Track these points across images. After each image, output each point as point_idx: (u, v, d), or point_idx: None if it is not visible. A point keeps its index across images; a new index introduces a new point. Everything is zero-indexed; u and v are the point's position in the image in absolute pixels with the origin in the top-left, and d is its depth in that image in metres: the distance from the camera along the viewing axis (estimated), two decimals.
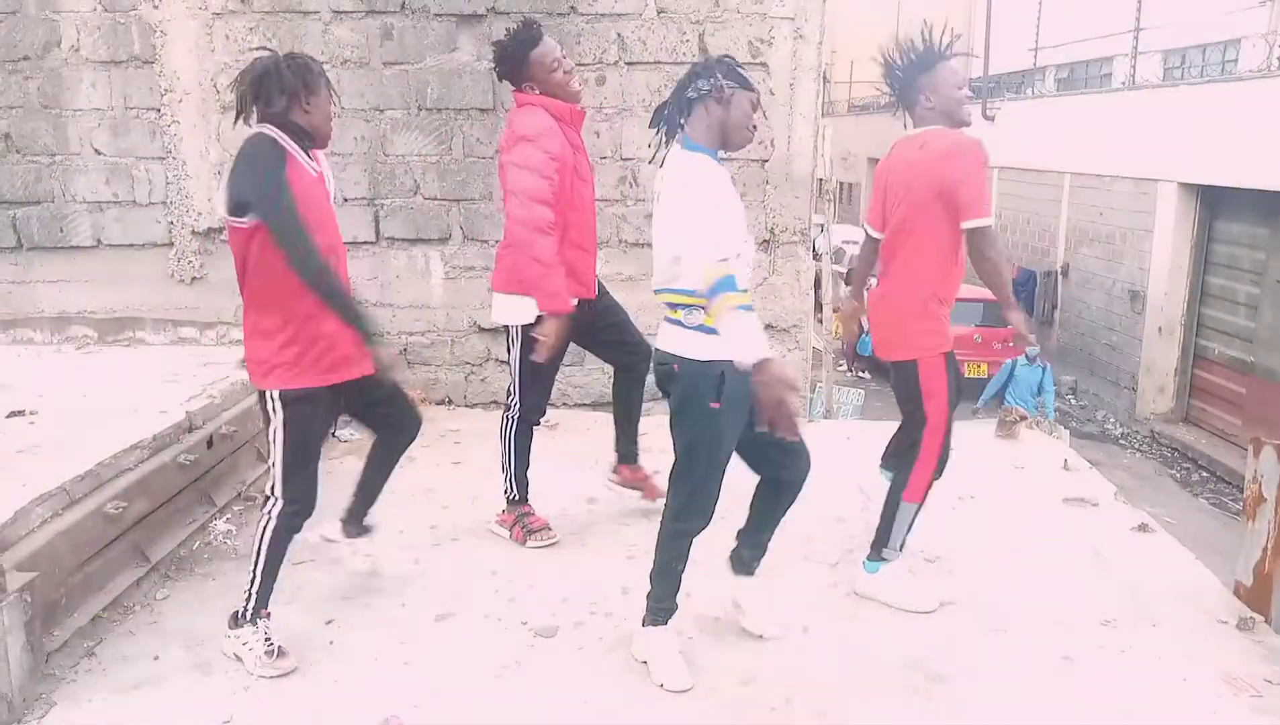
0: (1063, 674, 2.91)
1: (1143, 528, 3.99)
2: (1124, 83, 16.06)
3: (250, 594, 2.88)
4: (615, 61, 5.27)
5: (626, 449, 4.04)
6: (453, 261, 5.50)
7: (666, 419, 2.85)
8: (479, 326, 5.55)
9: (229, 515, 3.94)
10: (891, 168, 3.34)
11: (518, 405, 3.74)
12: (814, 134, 5.43)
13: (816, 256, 7.18)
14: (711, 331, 2.65)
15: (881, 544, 3.32)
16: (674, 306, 2.77)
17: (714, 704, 2.75)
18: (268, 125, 2.77)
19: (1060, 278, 16.03)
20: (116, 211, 5.46)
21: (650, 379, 3.11)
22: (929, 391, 3.21)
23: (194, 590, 3.39)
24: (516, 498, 3.82)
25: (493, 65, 3.53)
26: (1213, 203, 12.54)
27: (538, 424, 3.81)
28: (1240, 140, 11.15)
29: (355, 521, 3.34)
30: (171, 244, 5.48)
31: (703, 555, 3.67)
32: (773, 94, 5.32)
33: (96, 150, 5.39)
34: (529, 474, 3.83)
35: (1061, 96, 17.92)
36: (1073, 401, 14.80)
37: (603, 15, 5.23)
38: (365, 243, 5.46)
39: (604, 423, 4.15)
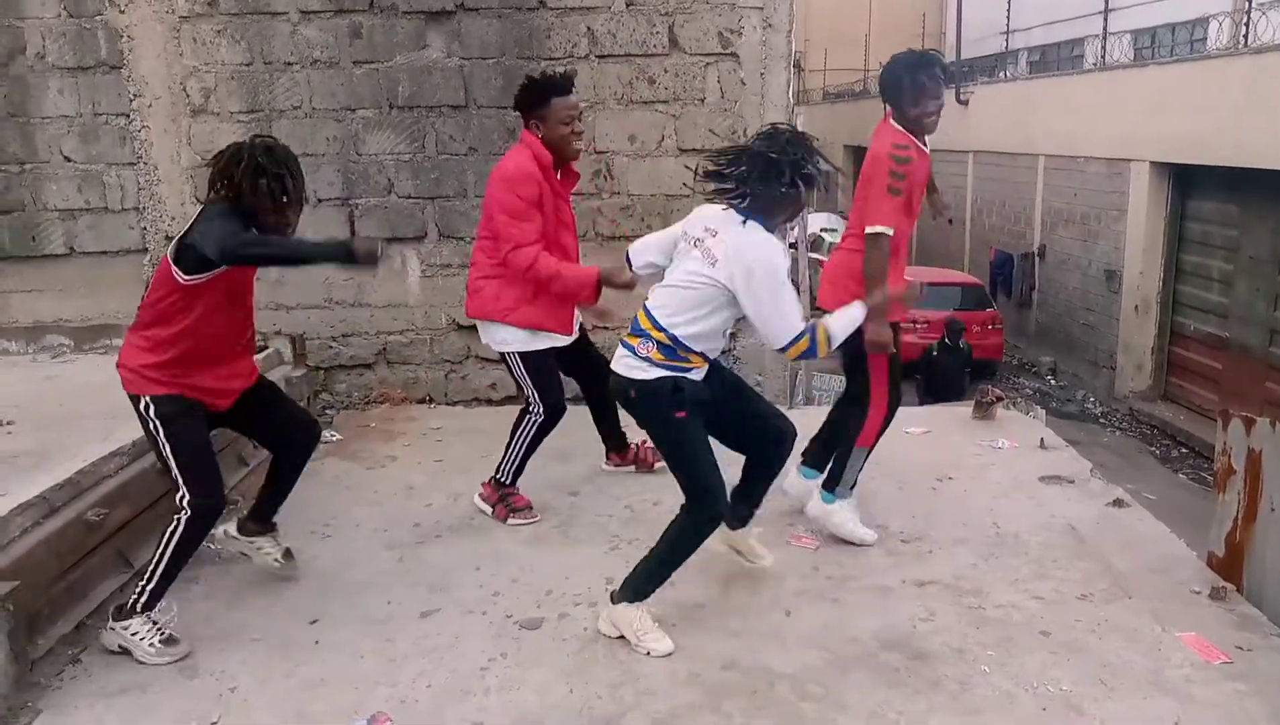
0: (1040, 649, 2.96)
1: (1118, 503, 4.05)
2: (1095, 64, 16.18)
3: (146, 590, 2.97)
4: (586, 55, 5.28)
5: (613, 439, 4.26)
6: (429, 260, 5.51)
7: None
8: (458, 324, 5.56)
9: None
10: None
11: (539, 408, 3.83)
12: (786, 122, 5.46)
13: (793, 245, 7.21)
14: (655, 363, 2.91)
15: (835, 482, 3.67)
16: (636, 334, 2.96)
17: (699, 689, 2.79)
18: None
19: (1037, 259, 16.15)
20: (89, 219, 5.44)
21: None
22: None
23: (178, 594, 3.36)
24: (508, 482, 3.92)
25: (517, 94, 3.76)
26: (1185, 181, 12.66)
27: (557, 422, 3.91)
28: (1209, 118, 11.26)
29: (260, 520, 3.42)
30: (145, 250, 5.47)
31: None
32: (743, 84, 5.35)
33: (66, 157, 5.37)
34: None
35: (1034, 79, 18.01)
36: (1052, 382, 14.93)
37: (572, 9, 5.25)
38: None
39: (581, 416, 4.17)
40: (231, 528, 3.42)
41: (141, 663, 2.92)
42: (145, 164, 5.36)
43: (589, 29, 5.24)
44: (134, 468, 3.57)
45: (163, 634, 2.97)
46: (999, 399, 5.30)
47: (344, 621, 3.17)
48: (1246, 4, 12.59)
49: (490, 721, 2.66)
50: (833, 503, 3.67)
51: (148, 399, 2.93)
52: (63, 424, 3.89)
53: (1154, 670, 2.84)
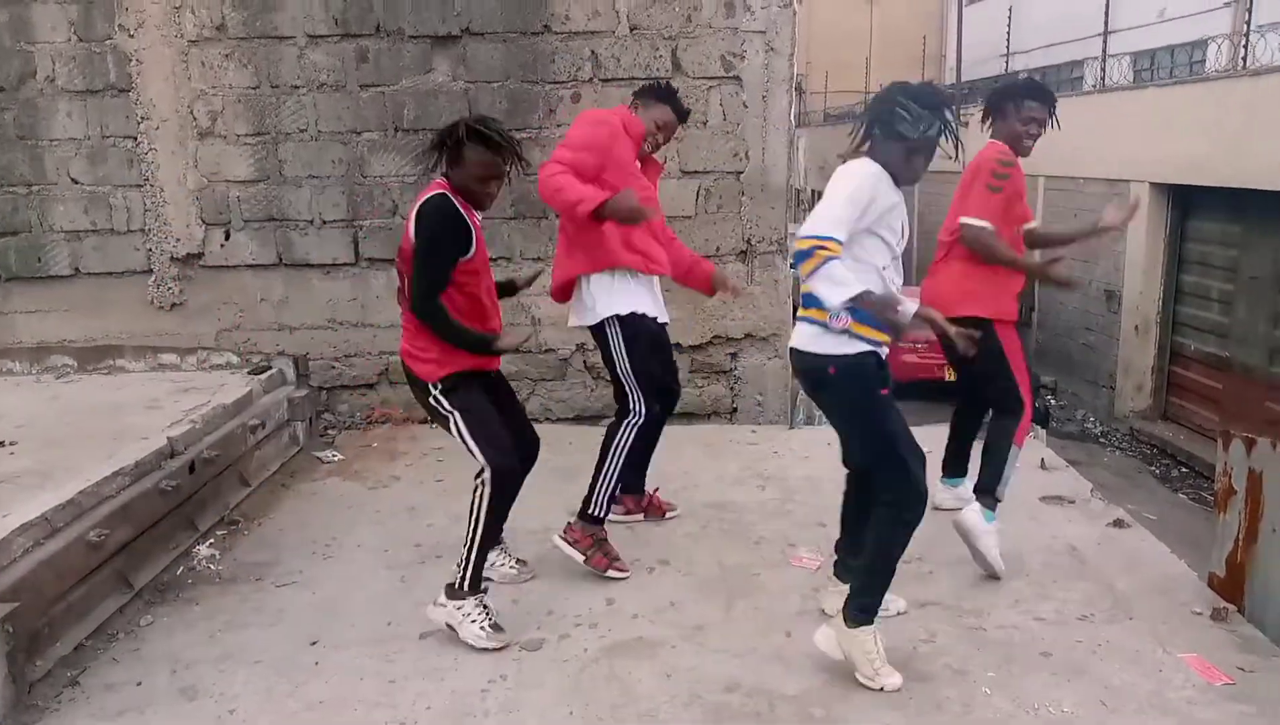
0: (1042, 670, 2.96)
1: (1118, 523, 4.05)
2: (1095, 85, 16.27)
3: (469, 567, 3.09)
4: (590, 79, 5.32)
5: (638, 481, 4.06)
6: None
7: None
8: None
9: (212, 540, 3.95)
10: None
11: (641, 406, 3.59)
12: (788, 145, 5.50)
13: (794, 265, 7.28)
14: (856, 336, 2.79)
15: (994, 485, 3.66)
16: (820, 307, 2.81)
17: (699, 711, 2.78)
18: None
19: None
20: (95, 240, 5.47)
21: None
22: (1010, 348, 3.74)
23: (178, 615, 3.40)
24: (600, 515, 3.65)
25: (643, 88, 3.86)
26: (1184, 202, 12.69)
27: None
28: (1209, 140, 11.31)
29: None
30: (150, 271, 5.49)
31: (685, 564, 3.71)
32: (746, 106, 5.39)
33: (74, 180, 5.41)
34: None
35: None
36: (1052, 402, 14.91)
37: (576, 34, 5.29)
38: (345, 264, 5.49)
39: (586, 435, 4.18)
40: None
41: (469, 644, 3.06)
42: (152, 186, 5.40)
43: (593, 53, 5.29)
44: (135, 488, 3.58)
45: (490, 619, 3.10)
46: None
47: (344, 642, 3.17)
48: (1245, 26, 12.68)
49: None
50: (993, 520, 3.62)
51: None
52: (65, 444, 3.90)
53: (1156, 692, 2.83)
